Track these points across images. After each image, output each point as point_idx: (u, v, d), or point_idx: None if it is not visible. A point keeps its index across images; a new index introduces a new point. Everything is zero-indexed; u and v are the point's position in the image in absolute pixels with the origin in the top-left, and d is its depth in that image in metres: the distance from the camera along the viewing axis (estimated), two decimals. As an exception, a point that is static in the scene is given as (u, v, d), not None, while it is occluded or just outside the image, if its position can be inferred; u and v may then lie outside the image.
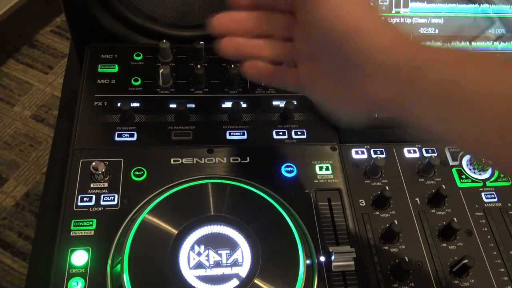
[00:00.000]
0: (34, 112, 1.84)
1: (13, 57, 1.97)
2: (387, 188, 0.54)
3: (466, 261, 0.49)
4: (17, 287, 1.46)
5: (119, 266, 0.45)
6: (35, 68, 1.96)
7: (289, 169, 0.55)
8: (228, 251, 0.47)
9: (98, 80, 0.60)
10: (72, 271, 0.46)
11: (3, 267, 1.48)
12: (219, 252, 0.47)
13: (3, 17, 1.83)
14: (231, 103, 0.59)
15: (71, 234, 0.48)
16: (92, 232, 0.49)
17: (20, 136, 1.77)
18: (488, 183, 0.57)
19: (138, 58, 0.63)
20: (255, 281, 0.46)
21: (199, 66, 0.60)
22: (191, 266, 0.46)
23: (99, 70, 0.61)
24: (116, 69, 0.62)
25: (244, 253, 0.47)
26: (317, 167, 0.56)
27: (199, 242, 0.48)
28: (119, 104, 0.57)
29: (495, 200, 0.56)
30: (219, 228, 0.49)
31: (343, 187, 0.55)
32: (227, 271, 0.46)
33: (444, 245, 0.52)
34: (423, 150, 0.58)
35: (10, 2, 1.83)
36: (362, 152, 0.58)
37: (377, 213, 0.53)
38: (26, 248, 1.53)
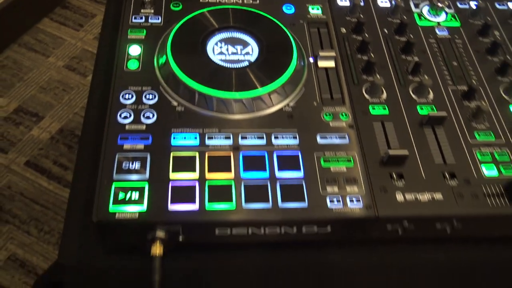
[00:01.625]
0: (67, 62, 2.04)
1: (47, 16, 2.18)
2: (363, 20, 0.72)
3: (417, 59, 0.66)
4: (52, 204, 1.64)
5: (164, 56, 0.64)
6: (67, 25, 2.17)
7: (288, 7, 0.73)
8: (241, 46, 0.66)
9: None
10: (129, 57, 0.65)
11: (40, 188, 1.67)
12: (235, 46, 0.65)
13: (40, -19, 2.04)
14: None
15: (128, 37, 0.67)
16: (143, 37, 0.67)
17: (54, 82, 1.97)
18: (442, 23, 0.75)
19: None
20: (259, 66, 0.64)
21: None
22: (215, 53, 0.64)
23: None
24: None
25: (253, 49, 0.66)
26: (309, 7, 0.74)
27: (221, 40, 0.66)
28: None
29: (446, 33, 0.73)
30: (234, 33, 0.67)
31: (330, 21, 0.73)
32: (241, 57, 0.64)
33: (404, 57, 0.69)
34: (394, 1, 0.76)
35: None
36: (345, 1, 0.76)
37: (354, 36, 0.71)
38: (60, 173, 1.72)
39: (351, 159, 0.58)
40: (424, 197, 0.56)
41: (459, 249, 0.61)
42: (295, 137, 0.60)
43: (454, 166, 0.59)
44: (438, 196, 0.56)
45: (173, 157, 0.56)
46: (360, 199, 0.55)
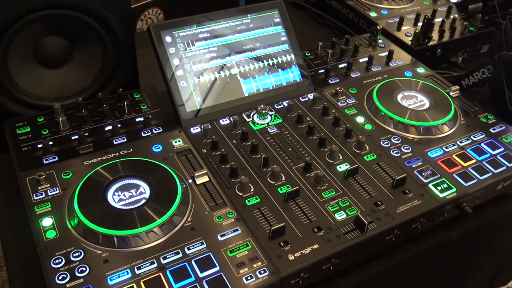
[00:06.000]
0: None
1: None
2: (215, 139, 0.94)
3: (264, 155, 0.90)
4: None
5: (75, 217, 0.77)
6: None
7: (157, 147, 0.93)
8: (135, 190, 0.82)
9: (19, 137, 0.93)
10: (45, 229, 0.77)
11: None
12: (130, 190, 0.82)
13: None
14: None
15: (37, 213, 0.79)
16: (50, 209, 0.80)
17: None
18: (270, 123, 1.01)
19: (41, 120, 0.97)
20: (154, 200, 0.81)
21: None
22: (116, 201, 0.80)
23: (17, 131, 0.94)
24: (29, 128, 0.95)
25: (145, 189, 0.83)
26: (173, 142, 0.94)
27: (117, 189, 0.82)
28: (39, 145, 0.90)
29: (276, 130, 0.99)
30: (127, 180, 0.83)
31: (192, 147, 0.94)
32: (137, 199, 0.81)
33: (254, 156, 0.92)
34: (231, 118, 1.00)
35: None
36: (197, 128, 0.98)
37: (213, 152, 0.93)
38: None
39: (248, 243, 0.77)
40: (307, 250, 0.77)
41: (344, 280, 0.83)
42: (202, 243, 0.77)
43: (317, 221, 0.82)
44: (315, 246, 0.78)
45: (116, 293, 0.69)
46: (266, 270, 0.74)
